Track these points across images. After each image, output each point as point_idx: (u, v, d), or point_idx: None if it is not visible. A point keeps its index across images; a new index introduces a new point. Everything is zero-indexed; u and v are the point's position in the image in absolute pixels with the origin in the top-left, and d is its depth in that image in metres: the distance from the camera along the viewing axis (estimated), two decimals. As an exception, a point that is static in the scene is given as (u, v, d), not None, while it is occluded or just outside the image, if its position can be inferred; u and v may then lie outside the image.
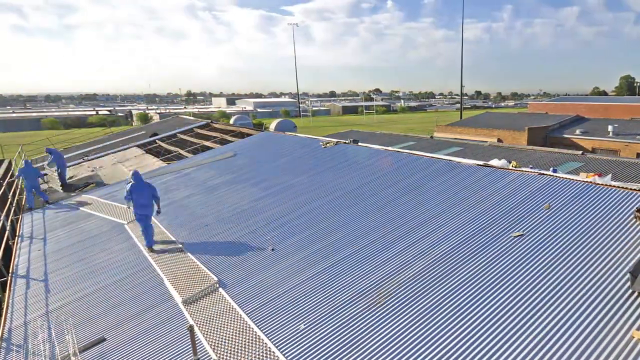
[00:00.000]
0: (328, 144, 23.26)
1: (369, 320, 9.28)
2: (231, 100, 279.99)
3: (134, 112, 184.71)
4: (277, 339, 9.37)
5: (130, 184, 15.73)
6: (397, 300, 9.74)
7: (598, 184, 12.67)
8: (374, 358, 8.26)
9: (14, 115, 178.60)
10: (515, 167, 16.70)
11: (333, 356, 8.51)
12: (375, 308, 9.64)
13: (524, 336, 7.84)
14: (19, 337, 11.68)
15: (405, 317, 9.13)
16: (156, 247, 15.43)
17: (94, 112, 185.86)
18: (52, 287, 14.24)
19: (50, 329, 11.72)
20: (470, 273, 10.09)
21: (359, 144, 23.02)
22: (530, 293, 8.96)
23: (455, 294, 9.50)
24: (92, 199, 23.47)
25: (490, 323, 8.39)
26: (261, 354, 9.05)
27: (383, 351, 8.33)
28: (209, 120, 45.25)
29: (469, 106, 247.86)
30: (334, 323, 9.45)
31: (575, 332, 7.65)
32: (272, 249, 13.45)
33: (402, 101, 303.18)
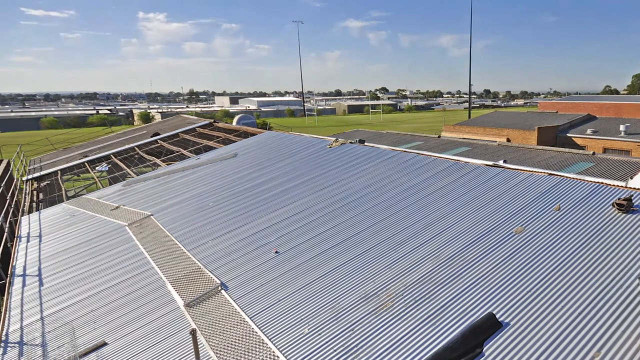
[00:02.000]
0: (334, 144, 23.28)
1: (375, 324, 9.28)
2: (234, 99, 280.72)
3: (135, 111, 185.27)
4: (281, 343, 9.39)
5: None
6: (403, 303, 9.75)
7: (609, 184, 12.66)
8: (380, 362, 8.29)
9: (12, 114, 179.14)
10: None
11: (338, 360, 8.54)
12: (381, 311, 9.65)
13: (533, 340, 7.85)
14: (17, 341, 11.71)
15: (412, 320, 9.13)
16: (155, 249, 15.48)
17: (94, 112, 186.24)
18: (51, 290, 14.28)
19: (49, 332, 11.76)
20: (479, 275, 10.09)
21: (365, 144, 23.03)
22: (539, 296, 8.96)
23: (464, 296, 9.51)
24: (93, 200, 23.51)
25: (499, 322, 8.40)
26: (265, 357, 9.06)
27: (389, 355, 8.35)
28: (212, 120, 45.25)
29: (478, 105, 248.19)
30: (338, 326, 9.46)
31: (585, 337, 7.66)
32: (276, 252, 13.46)
33: (409, 100, 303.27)
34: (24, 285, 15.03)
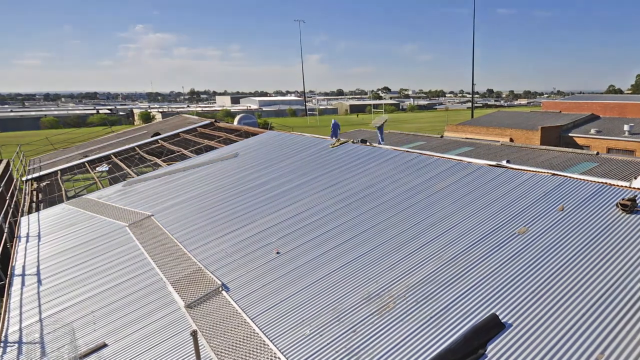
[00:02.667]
0: (336, 144, 23.26)
1: (377, 325, 9.28)
2: (236, 98, 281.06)
3: (135, 111, 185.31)
4: (282, 345, 9.38)
5: None
6: (406, 304, 9.74)
7: (613, 184, 12.65)
8: (382, 364, 8.28)
9: (12, 114, 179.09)
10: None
11: (340, 362, 8.53)
12: (384, 312, 9.64)
13: (536, 342, 7.84)
14: (17, 342, 11.70)
15: (414, 322, 9.12)
16: (156, 249, 15.48)
17: (94, 111, 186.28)
18: (51, 291, 14.28)
19: (49, 334, 11.76)
20: (482, 276, 10.08)
21: (367, 143, 23.00)
22: (543, 297, 8.95)
23: (467, 297, 9.50)
24: (93, 200, 23.51)
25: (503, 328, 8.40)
26: (266, 359, 9.06)
27: (391, 357, 8.34)
28: (213, 120, 45.23)
29: (481, 105, 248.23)
30: (340, 328, 9.45)
31: (589, 338, 7.65)
32: (277, 252, 13.45)
33: (412, 100, 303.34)
34: (23, 286, 15.04)
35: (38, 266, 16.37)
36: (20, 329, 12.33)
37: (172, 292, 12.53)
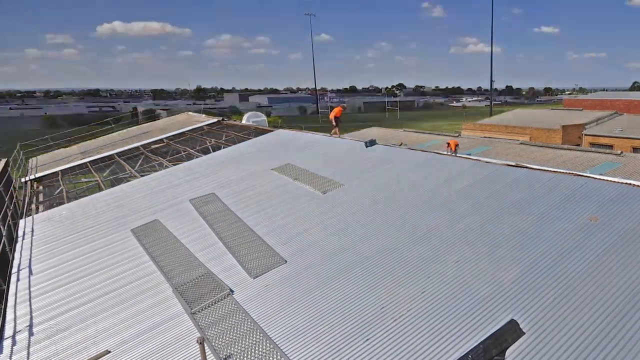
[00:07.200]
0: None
1: (392, 334, 9.26)
2: (244, 96, 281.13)
3: (139, 108, 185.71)
4: (290, 350, 9.38)
5: None
6: (423, 311, 9.71)
7: (638, 186, 12.59)
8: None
9: (11, 111, 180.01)
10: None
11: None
12: (399, 320, 9.61)
13: (557, 348, 7.81)
14: (15, 352, 11.71)
15: (432, 330, 9.09)
16: (161, 253, 15.49)
17: (97, 109, 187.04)
18: (51, 298, 14.27)
19: (49, 340, 11.79)
20: (502, 280, 10.05)
21: (382, 144, 22.96)
22: (564, 301, 8.92)
23: (486, 303, 9.46)
24: (96, 202, 23.54)
25: (524, 329, 8.37)
26: (274, 367, 9.07)
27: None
28: (221, 118, 45.31)
29: (500, 102, 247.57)
30: (353, 336, 9.45)
31: (609, 343, 7.62)
32: (286, 261, 13.41)
33: (428, 97, 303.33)
34: (22, 291, 15.05)
35: (37, 270, 16.39)
36: (14, 335, 12.34)
37: (178, 298, 12.53)
